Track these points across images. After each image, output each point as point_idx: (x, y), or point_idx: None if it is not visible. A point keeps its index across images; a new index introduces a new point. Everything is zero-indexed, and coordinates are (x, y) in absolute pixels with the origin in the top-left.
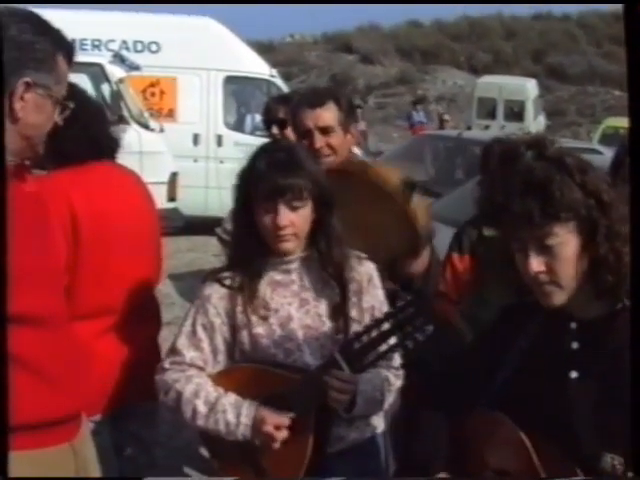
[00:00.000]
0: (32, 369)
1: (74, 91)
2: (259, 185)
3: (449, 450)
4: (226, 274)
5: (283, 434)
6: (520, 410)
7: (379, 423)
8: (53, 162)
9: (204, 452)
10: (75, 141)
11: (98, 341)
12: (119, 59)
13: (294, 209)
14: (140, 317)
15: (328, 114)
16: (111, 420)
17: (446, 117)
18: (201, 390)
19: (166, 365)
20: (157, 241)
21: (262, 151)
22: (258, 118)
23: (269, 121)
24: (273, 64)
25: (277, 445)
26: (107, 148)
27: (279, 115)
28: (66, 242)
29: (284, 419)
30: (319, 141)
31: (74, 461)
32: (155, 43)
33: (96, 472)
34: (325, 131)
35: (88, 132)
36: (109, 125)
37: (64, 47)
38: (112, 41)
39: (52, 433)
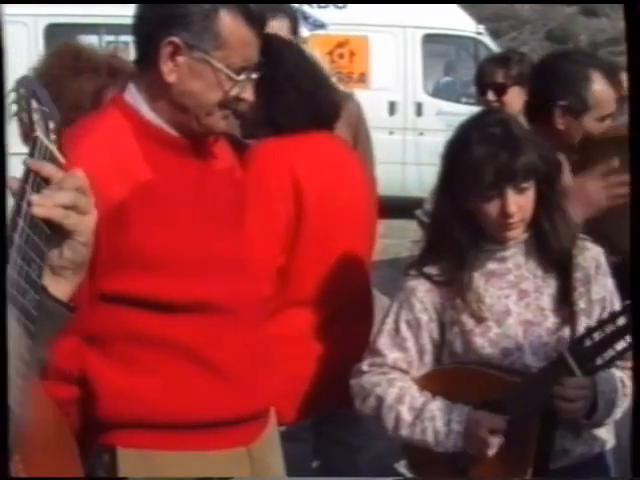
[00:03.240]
0: (206, 363)
1: (286, 53)
2: (478, 167)
3: None
4: (431, 264)
5: (498, 440)
6: None
7: (609, 437)
8: (266, 131)
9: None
10: (291, 109)
11: (309, 334)
12: (301, 16)
13: (521, 192)
14: (355, 311)
15: None
16: (314, 424)
17: None
18: (405, 395)
19: (364, 367)
20: (375, 224)
21: (474, 123)
22: (464, 82)
23: (484, 85)
24: (479, 19)
25: (491, 452)
26: (328, 117)
27: (497, 79)
28: (286, 217)
29: (501, 422)
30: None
31: (250, 467)
32: None
33: None
34: None
35: (308, 101)
36: (330, 91)
37: (234, 6)
38: None
39: (225, 434)
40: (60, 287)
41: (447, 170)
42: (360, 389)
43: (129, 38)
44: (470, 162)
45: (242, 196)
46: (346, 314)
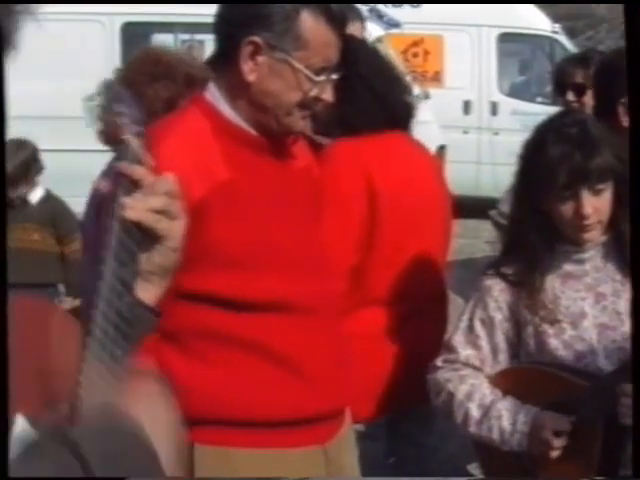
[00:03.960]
0: (284, 361)
1: (360, 54)
2: (553, 167)
3: None
4: (507, 264)
5: (562, 442)
6: None
7: None
8: (340, 131)
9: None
10: (366, 111)
11: (384, 333)
12: (375, 15)
13: (597, 193)
14: (430, 310)
15: None
16: (387, 423)
17: None
18: (475, 392)
19: (439, 363)
20: (449, 224)
21: (552, 124)
22: (539, 82)
23: (563, 86)
24: (555, 18)
25: (554, 454)
26: (402, 118)
27: (576, 79)
28: (360, 216)
29: (565, 424)
30: None
31: (325, 465)
32: None
33: None
34: None
35: (381, 100)
36: (405, 92)
37: (315, 7)
38: None
39: (302, 433)
40: (147, 292)
41: (523, 171)
42: (434, 384)
43: (204, 37)
44: (545, 162)
45: (319, 195)
46: (420, 313)
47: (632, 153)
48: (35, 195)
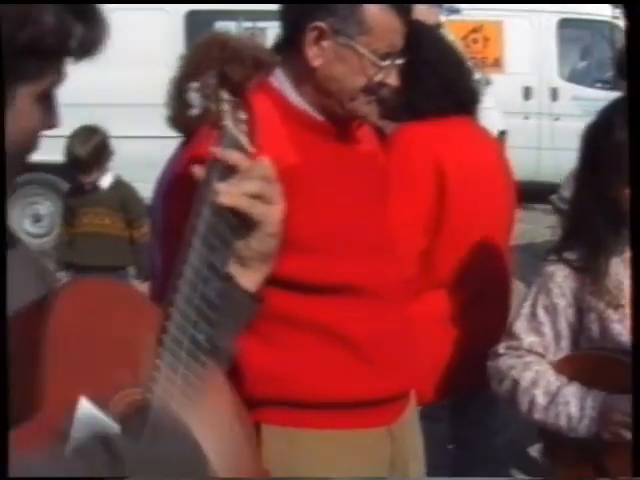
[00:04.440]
0: (351, 344)
1: (426, 39)
2: (618, 151)
3: None
4: (571, 249)
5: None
6: None
7: None
8: (406, 116)
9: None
10: (433, 96)
11: (449, 316)
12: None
13: None
14: (494, 294)
15: None
16: (453, 405)
17: None
18: (540, 379)
19: (501, 350)
20: (514, 209)
21: (618, 107)
22: (600, 67)
23: (624, 70)
24: (616, 3)
25: (629, 435)
26: (467, 103)
27: None
28: (429, 200)
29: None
30: None
31: (390, 447)
32: None
33: (416, 462)
34: None
35: (447, 86)
36: (470, 77)
37: None
38: None
39: (367, 414)
40: (247, 277)
41: (588, 155)
42: (496, 371)
43: (266, 24)
44: (612, 147)
45: (385, 180)
46: (485, 297)
47: (632, 153)
48: (105, 181)
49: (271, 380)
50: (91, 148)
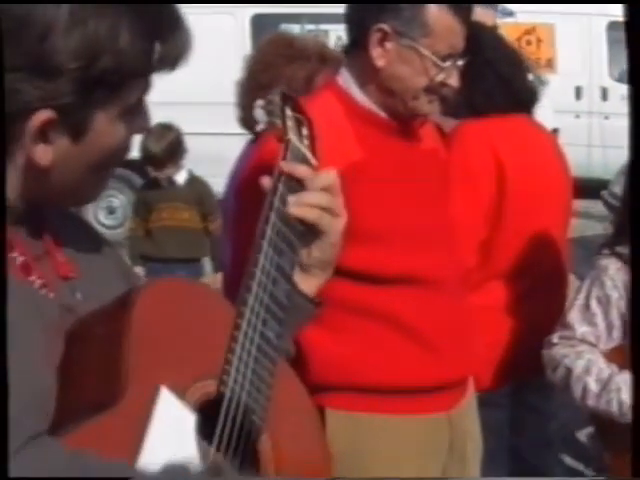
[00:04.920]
0: (413, 332)
1: (485, 39)
2: None
3: None
4: (623, 243)
5: None
6: None
7: None
8: (465, 114)
9: (581, 436)
10: (493, 94)
11: (507, 305)
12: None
13: None
14: (550, 285)
15: None
16: (511, 391)
17: None
18: (593, 367)
19: (554, 339)
20: (570, 204)
21: None
22: None
23: None
24: None
25: None
26: (526, 101)
27: None
28: (489, 193)
29: None
30: None
31: (449, 432)
32: None
33: (474, 448)
34: None
35: (505, 84)
36: (527, 75)
37: None
38: None
39: (428, 400)
40: (307, 283)
41: (636, 150)
42: (550, 359)
43: (328, 27)
44: None
45: (447, 175)
46: (541, 288)
47: (632, 153)
48: (181, 176)
49: (337, 366)
50: (166, 145)
